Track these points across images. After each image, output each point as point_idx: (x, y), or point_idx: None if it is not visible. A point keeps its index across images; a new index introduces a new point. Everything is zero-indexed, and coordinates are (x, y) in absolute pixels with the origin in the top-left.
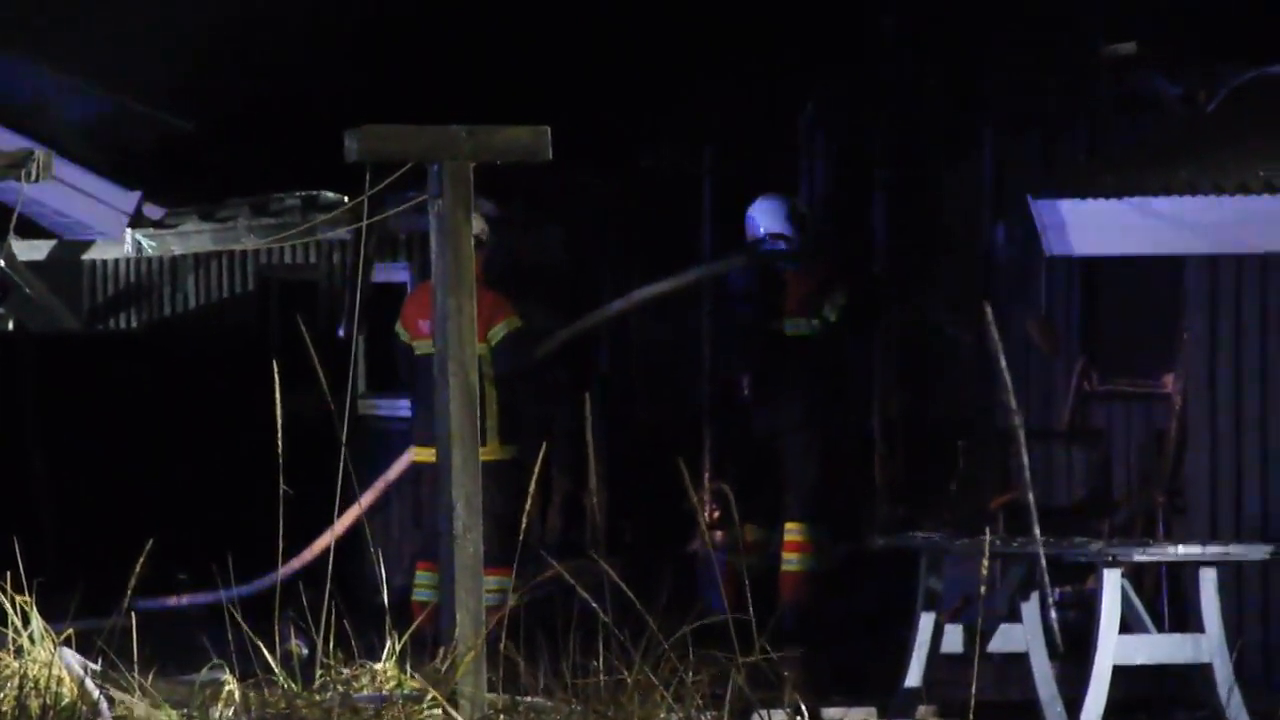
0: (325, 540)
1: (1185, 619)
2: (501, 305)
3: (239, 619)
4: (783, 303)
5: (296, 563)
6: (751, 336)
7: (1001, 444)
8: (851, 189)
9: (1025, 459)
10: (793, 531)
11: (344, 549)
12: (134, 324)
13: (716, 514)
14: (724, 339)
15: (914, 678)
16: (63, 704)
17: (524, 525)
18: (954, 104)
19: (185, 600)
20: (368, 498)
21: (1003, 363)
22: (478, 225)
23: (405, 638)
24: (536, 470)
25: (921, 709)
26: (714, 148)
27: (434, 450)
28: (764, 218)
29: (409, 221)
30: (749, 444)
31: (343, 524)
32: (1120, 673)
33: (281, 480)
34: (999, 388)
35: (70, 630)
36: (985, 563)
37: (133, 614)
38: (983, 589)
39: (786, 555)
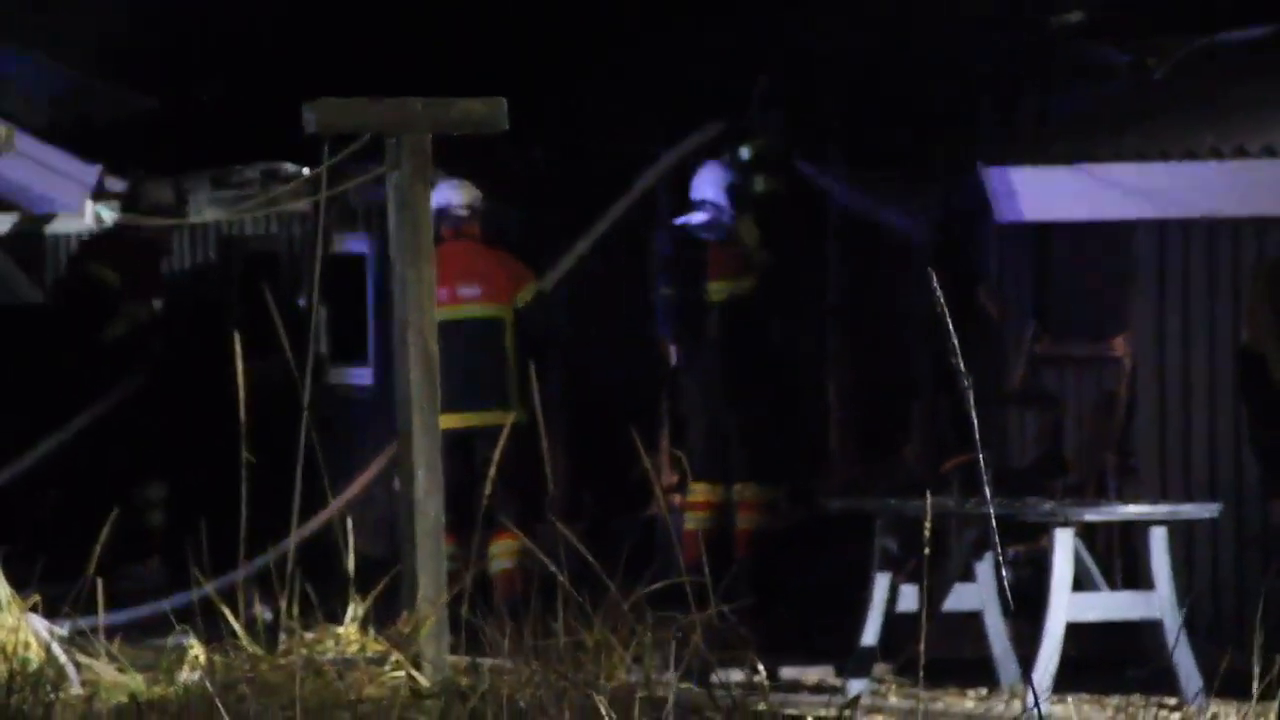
0: (324, 516)
1: (1136, 577)
2: (524, 269)
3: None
4: (705, 269)
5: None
6: (676, 304)
7: (954, 406)
8: (805, 163)
9: (975, 421)
10: (742, 492)
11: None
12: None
13: (675, 478)
14: (653, 306)
15: (870, 637)
16: (30, 669)
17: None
18: (902, 74)
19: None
20: (367, 474)
21: (949, 323)
22: (471, 194)
23: (368, 601)
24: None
25: (878, 667)
26: (667, 125)
27: (455, 416)
28: (698, 181)
29: (368, 193)
30: (691, 409)
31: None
32: (1073, 630)
33: (243, 449)
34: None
35: (37, 597)
36: (928, 524)
37: (98, 581)
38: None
39: (740, 515)
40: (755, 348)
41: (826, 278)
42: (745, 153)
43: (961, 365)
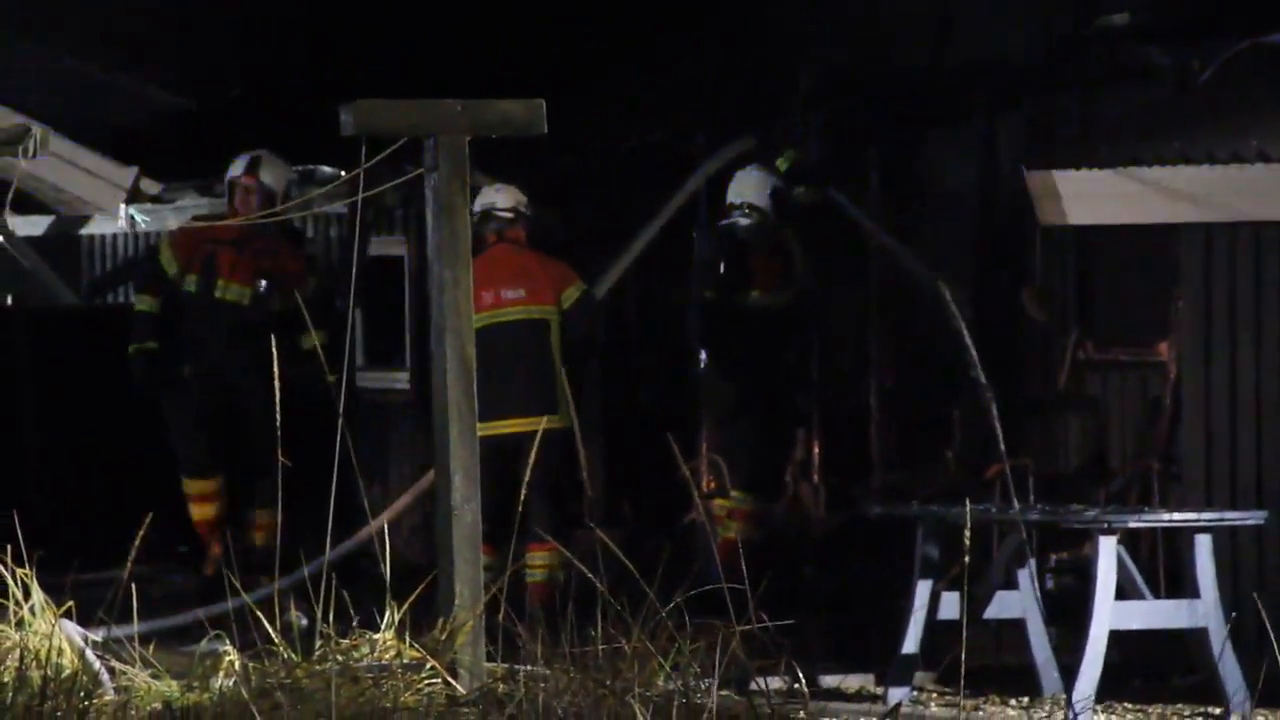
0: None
1: (1180, 584)
2: (568, 270)
3: (240, 590)
4: (748, 275)
5: (349, 542)
6: (713, 308)
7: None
8: (845, 165)
9: (999, 430)
10: (735, 500)
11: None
12: (131, 298)
13: (712, 484)
14: (687, 308)
15: (911, 644)
16: (63, 675)
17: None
18: (946, 77)
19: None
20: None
21: (967, 338)
22: (516, 197)
23: (405, 607)
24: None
25: (919, 675)
26: (708, 127)
27: (501, 423)
28: (740, 185)
29: (405, 195)
30: (724, 415)
31: (392, 511)
32: (1116, 638)
33: (279, 452)
34: (969, 361)
35: (70, 602)
36: (969, 531)
37: (133, 585)
38: (968, 558)
39: (726, 522)
40: (788, 359)
41: (866, 293)
42: (783, 164)
43: (982, 377)
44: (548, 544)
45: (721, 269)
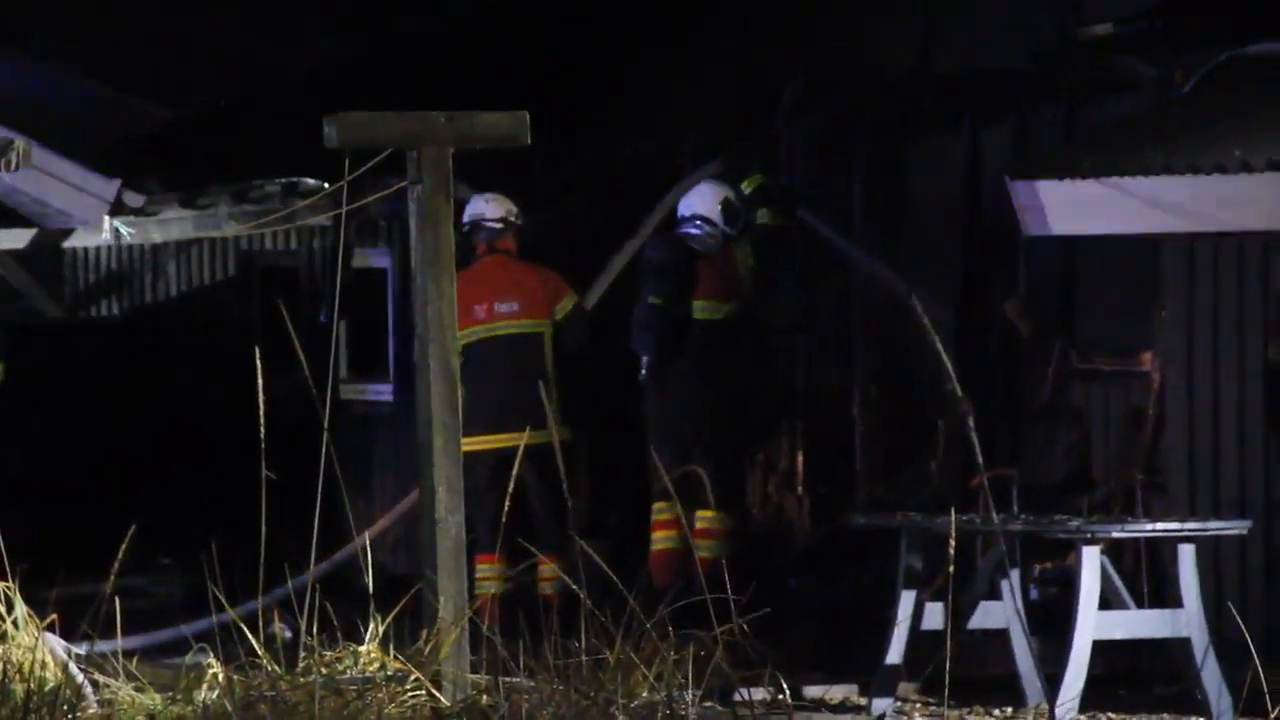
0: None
1: (1164, 595)
2: (561, 282)
3: (224, 603)
4: (693, 285)
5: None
6: (657, 317)
7: (978, 424)
8: (829, 173)
9: (976, 442)
10: (704, 519)
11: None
12: (115, 311)
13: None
14: (633, 314)
15: (895, 655)
16: (47, 689)
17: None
18: (931, 87)
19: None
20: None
21: (939, 349)
22: (507, 206)
23: (389, 619)
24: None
25: (903, 686)
26: (694, 133)
27: (480, 439)
28: (694, 198)
29: (389, 207)
30: (660, 424)
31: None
32: (1100, 648)
33: (264, 465)
34: (943, 375)
35: (54, 615)
36: (953, 541)
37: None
38: (952, 568)
39: (698, 542)
40: (731, 372)
41: (848, 308)
42: (748, 187)
43: (958, 390)
44: (555, 555)
45: (668, 276)
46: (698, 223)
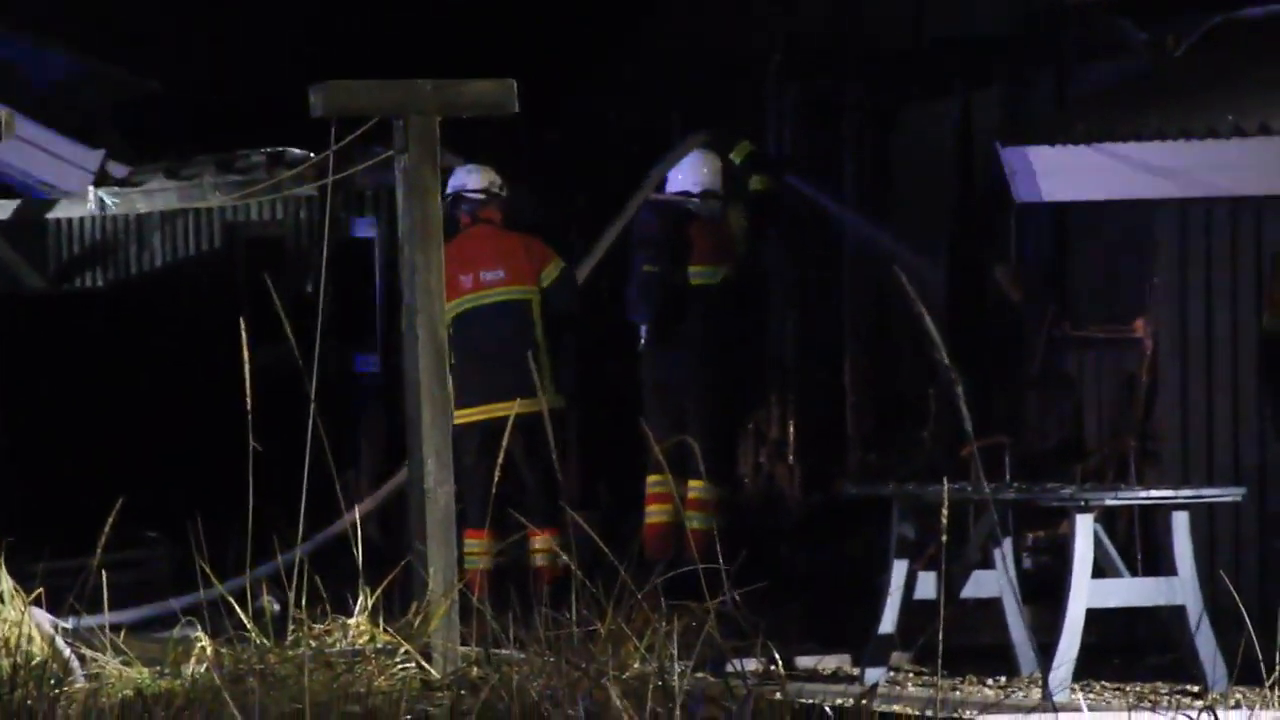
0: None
1: (1157, 562)
2: (546, 248)
3: (212, 577)
4: (687, 251)
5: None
6: (654, 284)
7: (968, 392)
8: (819, 140)
9: (965, 411)
10: (696, 489)
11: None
12: (100, 282)
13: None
14: (627, 285)
15: (888, 625)
16: (34, 663)
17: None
18: (922, 52)
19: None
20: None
21: (928, 322)
22: (489, 177)
23: (378, 592)
24: None
25: (895, 655)
26: (681, 102)
27: (471, 411)
28: (694, 173)
29: (376, 177)
30: (651, 394)
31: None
32: (1093, 616)
33: (251, 437)
34: (932, 344)
35: (40, 590)
36: (945, 510)
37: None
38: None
39: (689, 513)
40: (728, 337)
41: (839, 275)
42: (737, 156)
43: (946, 359)
44: (546, 528)
45: (662, 244)
46: (690, 191)
